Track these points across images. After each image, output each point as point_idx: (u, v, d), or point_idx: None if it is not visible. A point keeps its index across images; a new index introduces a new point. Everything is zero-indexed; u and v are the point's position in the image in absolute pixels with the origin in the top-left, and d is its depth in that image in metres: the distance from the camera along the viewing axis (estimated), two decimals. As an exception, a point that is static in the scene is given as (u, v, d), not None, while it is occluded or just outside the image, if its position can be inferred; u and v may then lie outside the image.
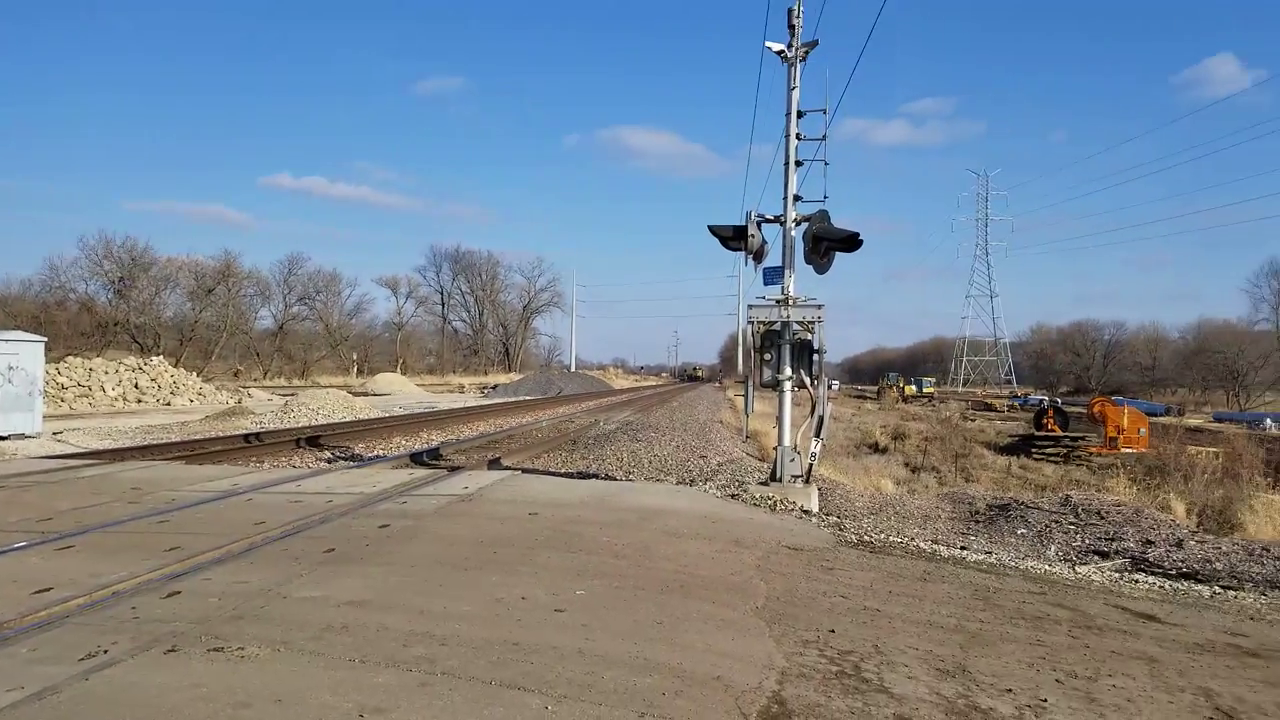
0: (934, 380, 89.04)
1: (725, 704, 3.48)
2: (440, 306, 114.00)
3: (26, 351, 17.86)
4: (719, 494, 9.48)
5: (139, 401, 30.86)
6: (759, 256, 9.68)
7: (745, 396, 9.85)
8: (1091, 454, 26.60)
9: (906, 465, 23.23)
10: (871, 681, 3.85)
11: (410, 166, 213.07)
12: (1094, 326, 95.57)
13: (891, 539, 7.52)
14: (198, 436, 18.20)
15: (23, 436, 17.11)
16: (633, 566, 5.58)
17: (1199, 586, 6.71)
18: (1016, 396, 69.83)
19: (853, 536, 7.33)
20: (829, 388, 9.61)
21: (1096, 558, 9.02)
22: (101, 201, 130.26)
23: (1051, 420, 31.15)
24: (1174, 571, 8.11)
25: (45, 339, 19.33)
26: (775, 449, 9.54)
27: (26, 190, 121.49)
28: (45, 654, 3.88)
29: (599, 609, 4.62)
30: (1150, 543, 9.79)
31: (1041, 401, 45.74)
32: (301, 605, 4.59)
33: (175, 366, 38.47)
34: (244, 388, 42.64)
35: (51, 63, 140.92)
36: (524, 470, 12.07)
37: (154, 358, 36.69)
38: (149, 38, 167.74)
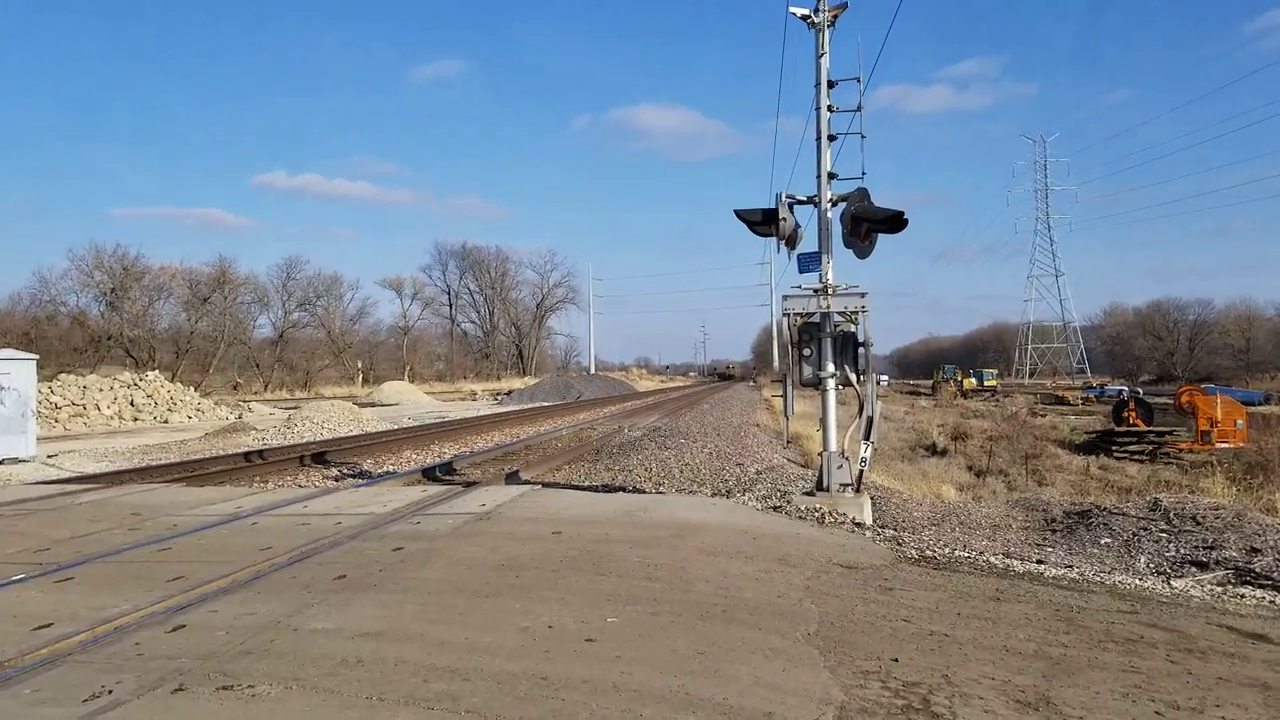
0: (996, 372, 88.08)
1: (776, 740, 3.47)
2: (448, 308, 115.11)
3: (18, 370, 18.24)
4: (760, 506, 9.45)
5: (135, 420, 31.45)
6: (792, 242, 9.64)
7: (784, 396, 9.81)
8: (1181, 451, 26.17)
9: (970, 469, 23.07)
10: (943, 716, 3.80)
11: (410, 159, 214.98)
12: (1176, 306, 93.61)
13: (957, 553, 7.47)
14: (197, 456, 18.52)
15: (16, 461, 17.49)
16: (668, 590, 5.60)
17: (1316, 601, 6.44)
18: (1091, 387, 68.80)
19: (913, 552, 7.29)
20: (878, 383, 9.56)
21: (1194, 569, 8.85)
22: (88, 209, 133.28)
23: (1133, 413, 30.65)
24: (1284, 584, 7.88)
25: (37, 356, 19.75)
26: (820, 454, 9.51)
27: (10, 200, 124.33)
28: (48, 695, 3.98)
29: (634, 638, 4.64)
30: (1256, 551, 9.54)
31: (1121, 393, 45.04)
32: (313, 638, 4.66)
33: (172, 381, 39.16)
34: (244, 401, 43.26)
35: (30, 67, 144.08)
36: (544, 484, 12.14)
37: (150, 372, 37.39)
38: (128, 39, 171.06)
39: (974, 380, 78.98)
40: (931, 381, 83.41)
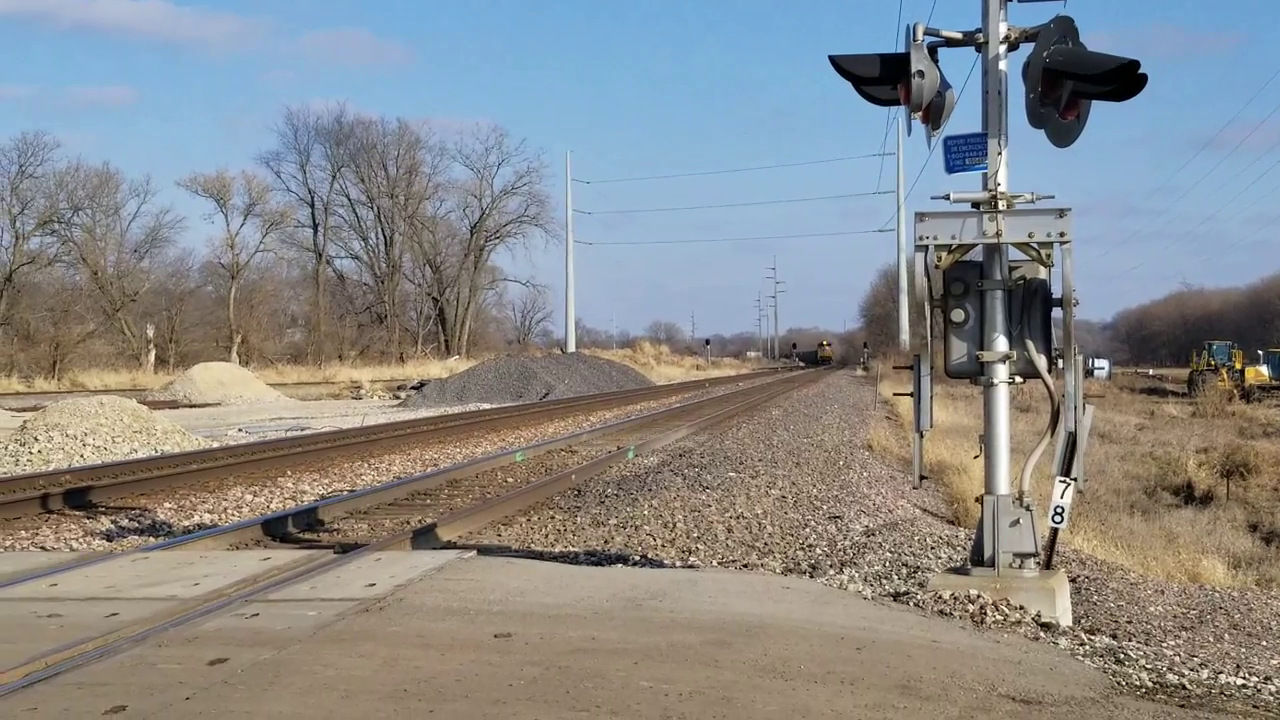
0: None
1: None
2: (311, 231, 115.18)
3: None
4: (870, 592, 9.44)
5: None
6: (933, 116, 9.60)
7: (915, 395, 9.78)
8: None
9: (1253, 529, 22.99)
10: None
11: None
12: None
13: (1225, 679, 7.44)
14: None
15: None
16: (703, 739, 5.62)
17: None
18: None
19: (1145, 675, 7.28)
20: (1089, 374, 9.54)
21: None
22: None
23: None
24: None
25: None
26: (980, 501, 9.51)
27: None
28: None
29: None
30: None
31: None
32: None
33: None
34: (-60, 397, 43.50)
35: None
36: (481, 550, 12.19)
37: None
38: None
39: (1264, 370, 78.41)
40: (1189, 371, 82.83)
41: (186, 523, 16.08)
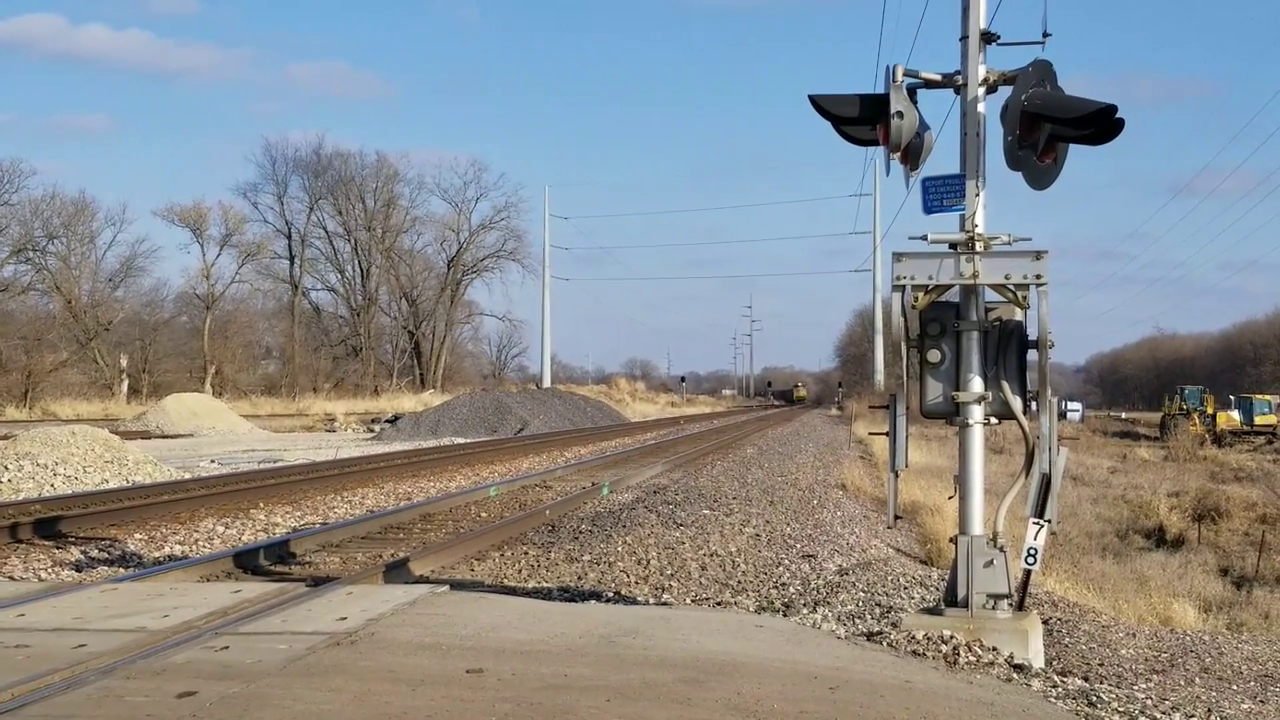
0: (1278, 401, 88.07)
1: None
2: (287, 263, 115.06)
3: None
4: (843, 632, 9.44)
5: None
6: (911, 157, 9.65)
7: (890, 435, 9.80)
8: None
9: (1224, 573, 23.09)
10: None
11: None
12: None
13: (1193, 722, 7.44)
14: None
15: None
16: (675, 777, 5.60)
17: None
18: None
19: (1117, 719, 7.30)
20: (1063, 417, 9.56)
21: None
22: None
23: None
24: None
25: None
26: (954, 540, 9.52)
27: None
28: None
29: None
30: None
31: None
32: None
33: None
34: (-92, 425, 43.22)
35: None
36: (454, 585, 12.14)
37: None
38: None
39: (1235, 415, 78.80)
40: (1161, 415, 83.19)
41: (157, 554, 15.99)
